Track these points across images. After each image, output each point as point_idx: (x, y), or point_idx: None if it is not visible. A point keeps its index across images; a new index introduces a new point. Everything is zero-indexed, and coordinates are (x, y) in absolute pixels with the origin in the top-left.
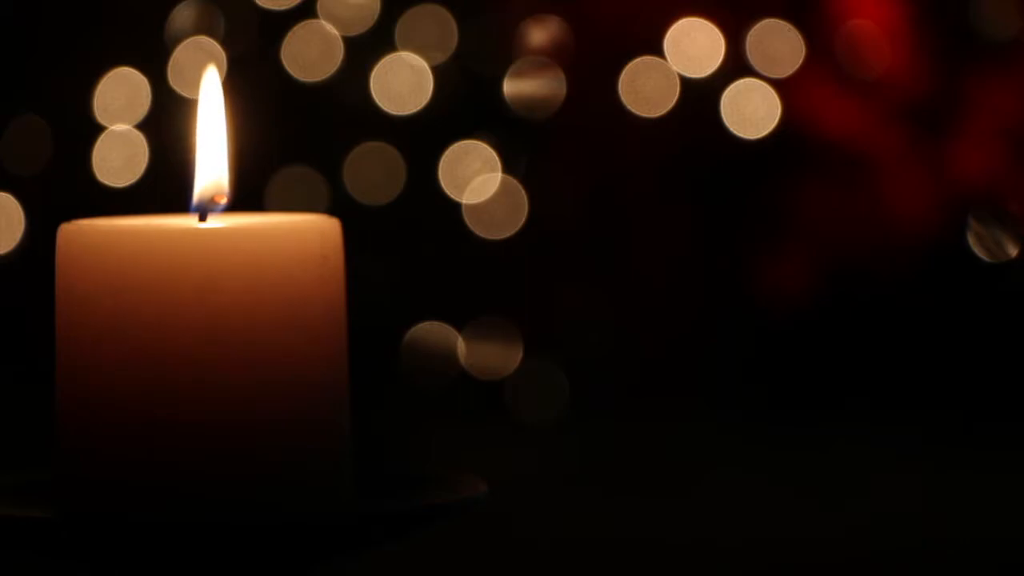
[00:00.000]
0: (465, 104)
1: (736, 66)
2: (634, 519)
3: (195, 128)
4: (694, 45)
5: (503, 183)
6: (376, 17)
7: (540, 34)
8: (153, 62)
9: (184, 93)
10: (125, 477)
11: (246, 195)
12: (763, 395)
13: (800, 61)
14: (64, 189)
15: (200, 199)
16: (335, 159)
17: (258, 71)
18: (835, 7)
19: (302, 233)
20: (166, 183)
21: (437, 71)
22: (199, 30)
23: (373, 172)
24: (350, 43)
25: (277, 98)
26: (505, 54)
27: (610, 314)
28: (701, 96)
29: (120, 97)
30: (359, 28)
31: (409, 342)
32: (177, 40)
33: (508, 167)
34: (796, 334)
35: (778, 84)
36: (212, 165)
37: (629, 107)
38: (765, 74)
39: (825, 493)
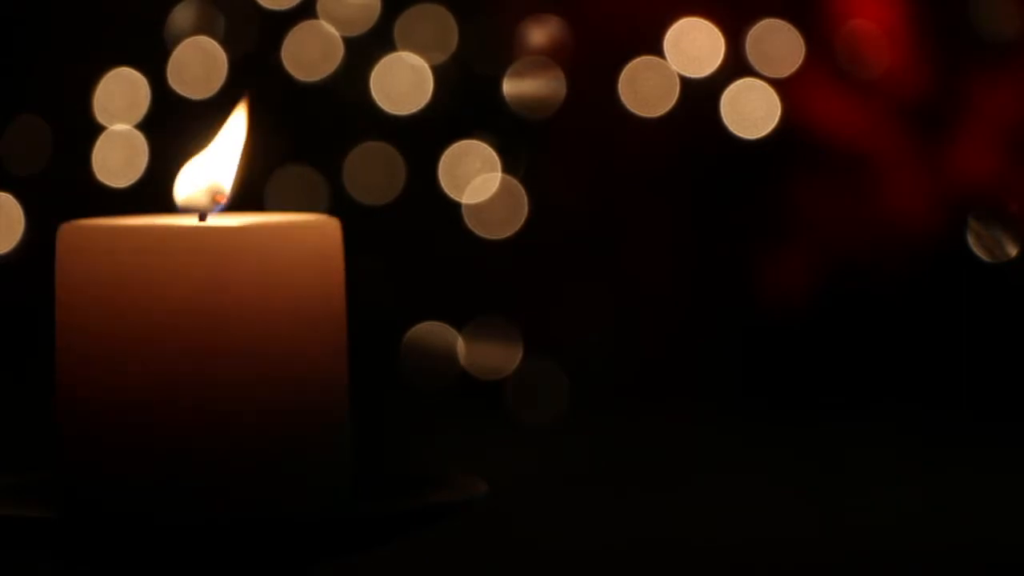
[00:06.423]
0: (465, 104)
1: (736, 66)
2: (634, 519)
3: (207, 137)
4: (694, 45)
5: (503, 183)
6: (376, 17)
7: (540, 34)
8: (153, 62)
9: (184, 93)
10: (125, 476)
11: (246, 195)
12: (763, 395)
13: (800, 61)
14: (64, 189)
15: (191, 201)
16: (335, 159)
17: (258, 71)
18: (835, 7)
19: (302, 233)
20: (166, 183)
21: (437, 71)
22: (199, 30)
23: (373, 172)
24: (350, 43)
25: (277, 98)
26: (505, 54)
27: (610, 314)
28: (701, 96)
29: (120, 97)
30: (359, 28)
31: (409, 342)
32: (177, 40)
33: (508, 167)
34: (796, 334)
35: (778, 84)
36: (213, 171)
37: (629, 107)
38: (765, 74)
39: (825, 493)
